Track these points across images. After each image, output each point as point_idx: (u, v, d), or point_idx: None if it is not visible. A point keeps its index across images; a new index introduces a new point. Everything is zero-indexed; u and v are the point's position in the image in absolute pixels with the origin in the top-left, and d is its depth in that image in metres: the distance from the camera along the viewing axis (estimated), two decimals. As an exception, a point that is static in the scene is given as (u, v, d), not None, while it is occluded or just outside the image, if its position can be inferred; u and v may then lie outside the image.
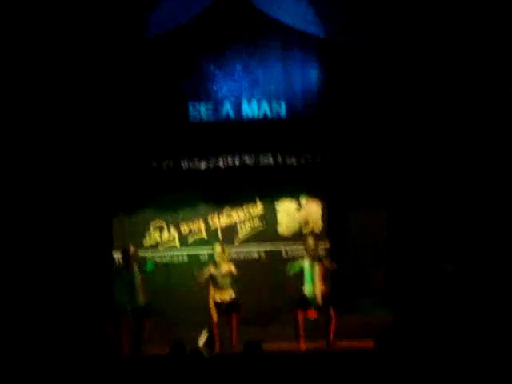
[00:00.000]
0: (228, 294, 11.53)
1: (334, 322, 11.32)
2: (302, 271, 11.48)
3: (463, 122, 11.94)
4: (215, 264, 11.56)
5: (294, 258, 12.17)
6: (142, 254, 12.68)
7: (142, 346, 11.14)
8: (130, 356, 10.76)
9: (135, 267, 11.43)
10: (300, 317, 11.31)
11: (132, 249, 11.53)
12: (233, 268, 11.54)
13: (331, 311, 11.33)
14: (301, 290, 11.43)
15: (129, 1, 11.86)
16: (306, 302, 11.36)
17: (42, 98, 11.85)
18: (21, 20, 11.53)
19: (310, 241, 11.67)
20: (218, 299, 11.47)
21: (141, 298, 11.35)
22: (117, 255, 12.67)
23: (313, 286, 11.41)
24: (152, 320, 11.38)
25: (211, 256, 12.00)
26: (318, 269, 11.46)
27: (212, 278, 11.51)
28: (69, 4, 11.60)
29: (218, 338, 11.42)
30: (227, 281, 11.55)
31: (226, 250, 11.81)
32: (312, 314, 11.41)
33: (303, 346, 11.20)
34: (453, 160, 12.07)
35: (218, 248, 11.63)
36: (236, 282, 11.65)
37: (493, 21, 11.56)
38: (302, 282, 11.47)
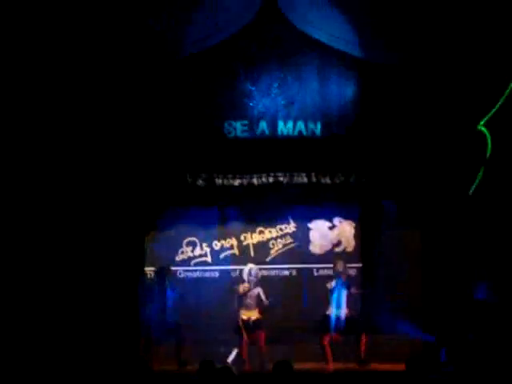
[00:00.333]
0: (255, 314, 11.60)
1: (363, 344, 11.29)
2: (331, 293, 11.50)
3: (502, 142, 11.84)
4: (247, 283, 11.66)
5: (326, 277, 12.16)
6: (173, 269, 12.77)
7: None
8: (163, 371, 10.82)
9: (167, 283, 11.53)
10: (325, 341, 11.32)
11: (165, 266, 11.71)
12: (261, 293, 11.63)
13: (361, 334, 11.31)
14: (325, 313, 11.45)
15: (164, 22, 11.95)
16: (330, 325, 11.36)
17: (79, 113, 11.93)
18: (58, 31, 11.67)
19: (339, 264, 11.71)
20: (245, 318, 11.54)
21: (171, 314, 11.44)
22: (149, 271, 12.76)
23: (339, 308, 11.41)
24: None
25: (241, 274, 12.05)
26: (344, 292, 11.47)
27: (240, 296, 11.57)
28: (105, 24, 11.71)
29: (247, 355, 11.44)
30: (254, 301, 11.63)
31: (258, 272, 11.88)
32: (337, 338, 11.40)
33: (331, 367, 11.17)
34: (487, 179, 11.97)
35: (248, 269, 11.78)
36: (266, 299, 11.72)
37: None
38: (327, 304, 11.47)
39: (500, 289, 11.62)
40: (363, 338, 11.32)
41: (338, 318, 11.39)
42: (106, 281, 11.85)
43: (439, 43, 11.87)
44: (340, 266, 11.67)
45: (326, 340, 11.33)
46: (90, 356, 10.90)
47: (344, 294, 11.48)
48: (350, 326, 11.41)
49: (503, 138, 11.78)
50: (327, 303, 11.55)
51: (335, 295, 11.45)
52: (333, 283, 11.56)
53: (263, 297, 11.70)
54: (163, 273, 11.65)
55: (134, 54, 11.87)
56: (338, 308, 11.42)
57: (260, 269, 12.31)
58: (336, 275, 11.67)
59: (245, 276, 11.86)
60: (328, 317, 11.43)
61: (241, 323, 11.53)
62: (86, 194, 11.93)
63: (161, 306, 11.43)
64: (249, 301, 11.67)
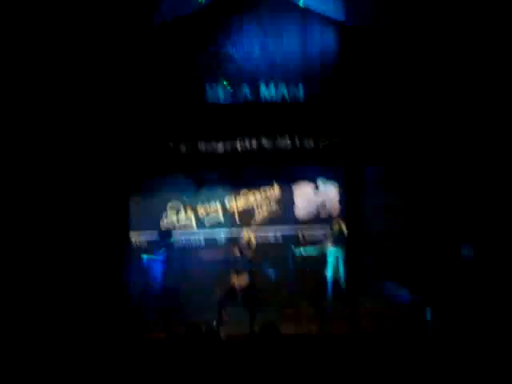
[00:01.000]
0: (245, 280, 11.61)
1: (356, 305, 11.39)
2: (323, 256, 11.55)
3: (484, 109, 11.85)
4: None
5: (312, 242, 12.20)
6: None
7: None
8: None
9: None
10: (323, 304, 11.40)
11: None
12: (252, 236, 11.68)
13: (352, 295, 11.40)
14: (323, 276, 11.51)
15: None
16: (327, 287, 11.44)
17: (62, 81, 11.85)
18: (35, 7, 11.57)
19: (337, 225, 11.76)
20: (235, 284, 11.51)
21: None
22: (134, 237, 12.77)
23: (337, 271, 11.47)
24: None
25: (227, 239, 12.07)
26: (342, 254, 11.53)
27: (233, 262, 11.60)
28: None
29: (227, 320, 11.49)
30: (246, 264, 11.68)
31: (252, 235, 11.90)
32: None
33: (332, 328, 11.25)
34: (469, 141, 11.99)
35: (245, 234, 11.77)
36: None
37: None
38: (324, 267, 11.53)
39: (486, 247, 11.68)
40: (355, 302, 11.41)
41: (334, 281, 11.46)
42: (91, 247, 11.85)
43: (420, 5, 11.83)
44: (338, 225, 11.76)
45: (323, 303, 11.41)
46: (78, 325, 10.90)
47: (342, 256, 11.54)
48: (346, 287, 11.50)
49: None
50: (317, 266, 11.61)
51: (331, 259, 11.51)
52: (329, 245, 11.61)
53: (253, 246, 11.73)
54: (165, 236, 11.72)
55: (113, 20, 11.77)
56: (336, 270, 11.48)
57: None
58: (333, 237, 11.70)
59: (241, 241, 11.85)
60: (324, 280, 11.50)
61: (229, 290, 11.55)
62: (67, 160, 11.87)
63: (149, 273, 11.48)
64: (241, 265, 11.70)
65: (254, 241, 11.73)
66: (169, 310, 11.64)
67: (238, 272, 11.62)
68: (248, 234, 11.79)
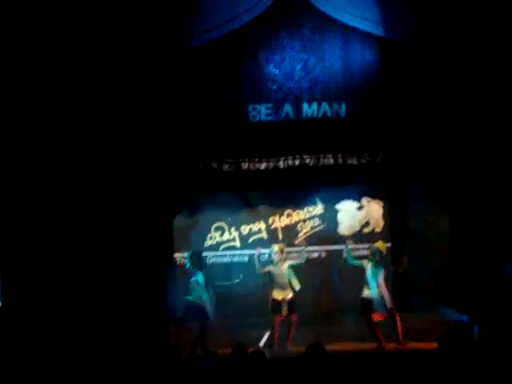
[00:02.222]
0: (286, 294, 11.62)
1: (399, 323, 11.31)
2: (364, 273, 11.51)
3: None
4: (273, 263, 11.68)
5: (355, 258, 12.15)
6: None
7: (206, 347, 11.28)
8: (193, 356, 10.88)
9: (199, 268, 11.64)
10: (372, 321, 11.33)
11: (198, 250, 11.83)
12: (287, 268, 11.72)
13: (395, 313, 11.33)
14: (364, 293, 11.45)
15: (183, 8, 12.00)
16: (371, 305, 11.36)
17: (107, 101, 12.01)
18: (66, 23, 11.76)
19: (382, 246, 11.72)
20: (279, 298, 11.56)
21: (204, 299, 11.51)
22: (179, 257, 12.86)
23: (377, 288, 11.40)
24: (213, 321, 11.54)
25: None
26: (382, 272, 11.48)
27: (271, 276, 11.61)
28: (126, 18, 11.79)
29: (279, 338, 11.48)
30: (285, 280, 11.64)
31: (284, 248, 11.91)
32: (377, 317, 11.41)
33: (384, 346, 11.17)
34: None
35: (275, 247, 11.79)
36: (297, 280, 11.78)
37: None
38: (365, 285, 11.48)
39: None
40: (398, 318, 11.33)
41: (378, 297, 11.40)
42: (136, 268, 11.93)
43: (461, 22, 11.78)
44: (381, 245, 11.73)
45: (373, 320, 11.34)
46: (121, 342, 10.99)
47: (381, 273, 11.49)
48: (386, 305, 11.41)
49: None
50: (360, 284, 11.55)
51: (371, 275, 11.46)
52: (369, 263, 11.56)
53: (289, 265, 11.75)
54: (196, 257, 11.72)
55: (155, 42, 11.91)
56: (377, 288, 11.42)
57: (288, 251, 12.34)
58: (373, 255, 11.64)
59: (273, 256, 11.85)
60: (368, 297, 11.43)
61: (272, 304, 11.58)
62: (113, 180, 12.01)
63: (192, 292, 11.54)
64: (280, 280, 11.70)
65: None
66: (212, 326, 11.65)
67: (278, 288, 11.66)
68: (277, 248, 11.85)
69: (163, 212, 12.69)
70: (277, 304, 11.60)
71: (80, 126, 11.92)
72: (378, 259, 11.59)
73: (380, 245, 11.81)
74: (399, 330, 11.37)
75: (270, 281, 11.83)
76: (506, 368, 6.87)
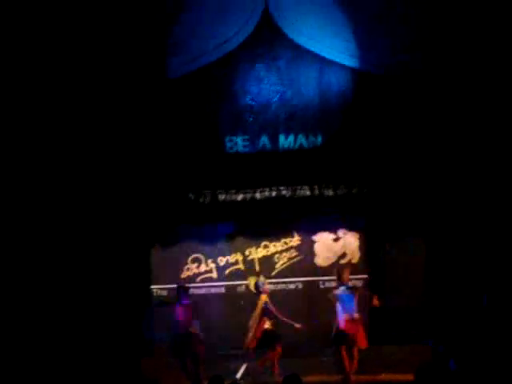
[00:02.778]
0: (271, 323, 11.58)
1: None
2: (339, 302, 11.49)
3: (503, 155, 11.84)
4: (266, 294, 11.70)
5: (332, 290, 12.16)
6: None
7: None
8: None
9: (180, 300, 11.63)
10: (343, 353, 11.28)
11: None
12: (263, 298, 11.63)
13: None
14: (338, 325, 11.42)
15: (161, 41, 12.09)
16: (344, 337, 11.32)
17: (81, 133, 12.02)
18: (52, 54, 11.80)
19: (345, 272, 11.70)
20: (269, 327, 11.47)
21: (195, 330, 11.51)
22: (155, 289, 12.82)
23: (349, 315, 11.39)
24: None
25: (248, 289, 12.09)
26: (353, 301, 11.45)
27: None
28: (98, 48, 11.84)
29: (255, 370, 11.43)
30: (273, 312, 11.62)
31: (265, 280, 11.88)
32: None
33: (353, 378, 11.15)
34: (491, 192, 11.96)
35: (252, 281, 11.75)
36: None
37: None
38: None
39: (503, 299, 11.61)
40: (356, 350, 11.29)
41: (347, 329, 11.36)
42: (112, 300, 11.88)
43: (437, 54, 11.93)
44: (346, 274, 11.68)
45: (343, 351, 11.29)
46: (96, 373, 10.91)
47: (353, 302, 11.46)
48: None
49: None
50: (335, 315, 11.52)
51: (344, 304, 11.42)
52: (339, 291, 11.52)
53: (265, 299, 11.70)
54: (181, 291, 11.73)
55: (130, 73, 11.96)
56: (345, 316, 11.39)
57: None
58: (341, 284, 11.62)
59: (259, 288, 11.82)
60: (340, 328, 11.38)
61: (264, 333, 11.50)
62: (88, 211, 11.97)
63: (173, 324, 11.50)
64: (269, 312, 11.67)
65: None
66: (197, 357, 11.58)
67: (269, 318, 11.60)
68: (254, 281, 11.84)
69: (140, 244, 12.69)
70: (266, 334, 11.53)
71: (56, 154, 11.91)
72: (348, 287, 11.58)
73: (344, 273, 11.82)
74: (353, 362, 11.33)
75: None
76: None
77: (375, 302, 11.45)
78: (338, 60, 12.38)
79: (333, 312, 11.46)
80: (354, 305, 11.39)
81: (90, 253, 12.02)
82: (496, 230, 11.82)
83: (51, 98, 11.87)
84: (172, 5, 12.25)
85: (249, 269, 13.17)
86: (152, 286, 12.93)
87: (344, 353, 11.22)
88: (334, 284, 12.51)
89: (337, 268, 12.31)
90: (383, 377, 11.19)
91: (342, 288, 11.50)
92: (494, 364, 10.65)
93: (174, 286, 12.29)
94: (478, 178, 11.96)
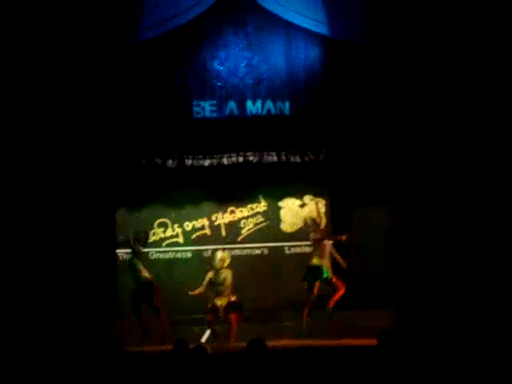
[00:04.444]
0: (226, 300, 11.42)
1: (340, 293, 11.40)
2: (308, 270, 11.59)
3: (468, 123, 11.94)
4: (215, 270, 11.56)
5: (297, 256, 12.27)
6: (145, 249, 12.82)
7: (146, 343, 11.25)
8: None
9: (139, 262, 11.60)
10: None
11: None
12: (230, 275, 11.54)
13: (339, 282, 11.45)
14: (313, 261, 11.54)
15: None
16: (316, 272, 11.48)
17: (45, 97, 11.90)
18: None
19: (308, 219, 11.83)
20: (218, 304, 11.38)
21: (147, 276, 11.52)
22: (121, 252, 12.80)
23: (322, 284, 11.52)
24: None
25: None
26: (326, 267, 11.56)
27: (211, 283, 11.46)
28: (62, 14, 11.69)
29: (219, 335, 11.45)
30: (225, 287, 11.51)
31: (227, 256, 11.72)
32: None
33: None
34: (457, 158, 12.07)
35: (218, 255, 11.59)
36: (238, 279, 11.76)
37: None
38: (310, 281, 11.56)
39: (468, 266, 11.76)
40: (341, 290, 11.45)
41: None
42: (78, 261, 11.88)
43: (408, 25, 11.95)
44: (310, 221, 11.83)
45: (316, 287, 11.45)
46: (63, 338, 10.89)
47: (325, 270, 11.58)
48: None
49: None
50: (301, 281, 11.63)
51: (316, 273, 11.54)
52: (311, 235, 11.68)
53: (228, 284, 11.58)
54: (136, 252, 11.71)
55: (95, 37, 11.83)
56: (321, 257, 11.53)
57: (230, 250, 12.34)
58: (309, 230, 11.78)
59: (214, 262, 11.65)
60: (315, 264, 11.51)
61: (211, 309, 11.44)
62: (54, 176, 11.91)
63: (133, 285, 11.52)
64: (219, 287, 11.51)
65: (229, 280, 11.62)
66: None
67: (219, 294, 11.50)
68: (220, 256, 11.68)
69: (105, 207, 12.65)
70: (214, 310, 11.44)
71: (22, 119, 11.80)
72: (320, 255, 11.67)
73: (307, 219, 11.93)
74: (333, 299, 11.45)
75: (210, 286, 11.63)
76: (444, 364, 7.00)
77: (343, 238, 11.65)
78: (306, 26, 12.34)
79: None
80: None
81: (54, 216, 11.97)
82: (462, 195, 11.94)
83: (18, 58, 11.73)
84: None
85: (215, 234, 13.19)
86: (117, 250, 12.88)
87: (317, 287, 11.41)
88: (300, 250, 12.68)
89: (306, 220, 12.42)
90: (346, 341, 11.29)
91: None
92: (457, 329, 10.82)
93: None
94: (443, 147, 12.06)
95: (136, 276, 11.57)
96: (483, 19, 11.70)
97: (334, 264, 11.66)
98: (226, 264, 11.53)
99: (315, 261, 11.56)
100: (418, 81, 12.03)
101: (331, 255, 11.63)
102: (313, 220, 11.98)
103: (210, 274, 11.48)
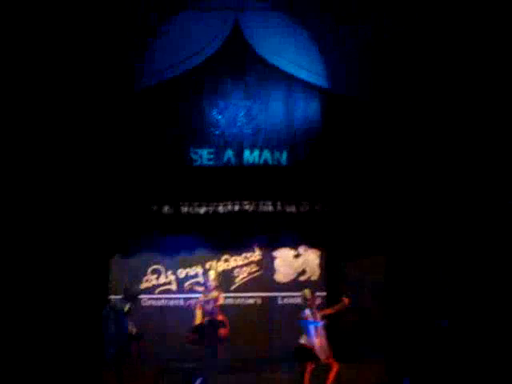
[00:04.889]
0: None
1: (335, 372, 11.30)
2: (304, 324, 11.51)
3: (460, 174, 12.04)
4: (205, 288, 11.83)
5: (290, 306, 12.23)
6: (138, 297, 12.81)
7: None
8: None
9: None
10: (306, 370, 11.28)
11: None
12: (221, 296, 11.68)
13: (333, 361, 11.34)
14: (300, 342, 11.43)
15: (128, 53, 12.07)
16: (309, 354, 11.34)
17: (45, 141, 11.96)
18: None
19: (307, 291, 11.72)
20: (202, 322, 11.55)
21: (133, 332, 11.45)
22: (114, 299, 12.73)
23: (316, 337, 11.40)
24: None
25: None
26: (319, 318, 11.47)
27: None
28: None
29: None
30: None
31: (219, 277, 11.93)
32: (312, 365, 11.40)
33: None
34: (450, 211, 12.13)
35: (211, 275, 11.77)
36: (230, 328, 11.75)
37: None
38: (304, 332, 11.46)
39: (461, 317, 11.75)
40: (334, 368, 11.31)
41: (314, 346, 11.38)
42: (70, 309, 11.80)
43: (403, 82, 12.11)
44: (309, 294, 11.70)
45: (307, 369, 11.29)
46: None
47: (319, 322, 11.48)
48: (322, 354, 11.41)
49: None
50: (295, 332, 11.52)
51: (310, 324, 11.43)
52: (307, 312, 11.51)
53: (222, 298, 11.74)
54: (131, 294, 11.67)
55: (96, 87, 11.93)
56: (314, 337, 11.39)
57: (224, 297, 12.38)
58: (305, 304, 11.62)
59: (208, 282, 11.93)
60: (304, 346, 11.39)
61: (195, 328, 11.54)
62: (51, 221, 11.90)
63: (121, 326, 11.42)
64: (207, 306, 11.70)
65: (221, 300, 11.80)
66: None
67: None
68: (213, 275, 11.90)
69: (100, 254, 12.62)
70: (198, 327, 11.57)
71: (21, 163, 11.84)
72: (315, 307, 11.58)
73: (306, 291, 11.84)
74: (331, 379, 11.34)
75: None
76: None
77: (346, 301, 11.54)
78: (305, 78, 12.46)
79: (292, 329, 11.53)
80: (318, 329, 11.41)
81: (49, 261, 11.92)
82: (455, 250, 11.98)
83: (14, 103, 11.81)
84: (143, 18, 12.24)
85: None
86: (111, 297, 12.82)
87: (308, 369, 11.27)
88: (293, 300, 12.65)
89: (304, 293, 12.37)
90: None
91: (310, 310, 11.54)
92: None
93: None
94: (437, 199, 12.12)
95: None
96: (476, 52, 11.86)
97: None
98: (217, 284, 11.78)
99: (303, 341, 11.42)
100: (414, 136, 12.14)
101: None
102: (312, 293, 11.85)
103: (201, 296, 11.62)
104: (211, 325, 11.60)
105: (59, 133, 11.97)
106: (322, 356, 11.09)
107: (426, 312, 12.04)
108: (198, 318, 11.75)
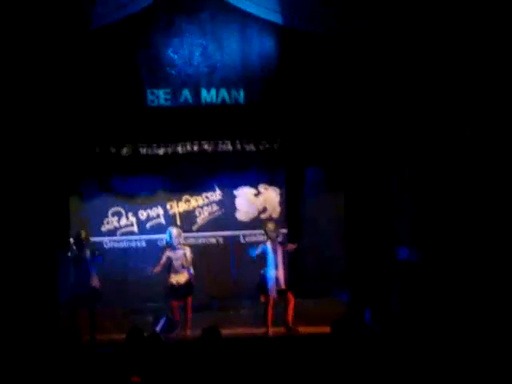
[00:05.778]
0: (184, 277, 11.67)
1: (292, 305, 11.47)
2: (264, 255, 11.61)
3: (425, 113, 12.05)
4: (171, 247, 11.68)
5: (253, 244, 12.31)
6: (99, 239, 12.79)
7: (100, 333, 11.21)
8: (87, 343, 10.76)
9: (88, 253, 11.52)
10: (263, 300, 11.47)
11: (84, 234, 11.64)
12: (188, 251, 11.71)
13: (290, 295, 11.50)
14: (262, 274, 11.56)
15: None
16: (268, 286, 11.49)
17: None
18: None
19: (270, 225, 11.83)
20: (174, 282, 11.60)
21: (94, 284, 11.45)
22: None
23: (275, 269, 11.53)
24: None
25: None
26: (279, 252, 11.59)
27: (169, 260, 11.69)
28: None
29: (178, 322, 11.51)
30: (179, 263, 11.70)
31: (181, 232, 11.94)
32: (269, 298, 11.55)
33: (270, 331, 11.33)
34: (410, 145, 12.17)
35: (174, 231, 11.79)
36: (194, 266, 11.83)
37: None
38: (264, 266, 11.58)
39: (422, 249, 11.87)
40: (292, 302, 11.48)
41: (275, 278, 11.52)
42: (29, 252, 11.75)
43: (363, 15, 11.99)
44: (271, 225, 11.83)
45: (266, 301, 11.46)
46: (10, 328, 10.82)
47: (279, 254, 11.60)
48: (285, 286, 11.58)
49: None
50: (258, 269, 11.66)
51: (270, 256, 11.56)
52: (267, 244, 11.65)
53: (189, 258, 11.75)
54: (83, 243, 11.61)
55: (48, 22, 11.67)
56: (275, 269, 11.53)
57: (185, 237, 12.42)
58: (267, 237, 11.75)
59: (172, 239, 11.88)
60: (264, 277, 11.54)
61: (169, 288, 11.61)
62: (7, 162, 11.76)
63: (82, 276, 11.41)
64: (176, 264, 11.74)
65: (189, 255, 11.81)
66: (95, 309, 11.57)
67: (175, 272, 11.67)
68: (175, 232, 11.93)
69: (59, 196, 12.54)
70: (172, 288, 11.64)
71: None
72: (274, 239, 11.70)
73: (269, 224, 11.94)
74: (290, 313, 11.50)
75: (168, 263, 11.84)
76: (394, 352, 7.10)
77: (290, 246, 11.71)
78: (260, 15, 12.31)
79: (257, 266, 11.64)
80: (279, 259, 11.56)
81: (5, 203, 11.82)
82: (415, 181, 12.05)
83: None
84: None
85: (170, 223, 13.15)
86: (71, 239, 12.77)
87: (271, 303, 11.45)
88: (255, 238, 12.75)
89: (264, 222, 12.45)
90: (301, 330, 11.39)
91: (269, 243, 11.66)
92: (410, 317, 10.98)
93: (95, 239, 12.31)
94: (399, 136, 12.14)
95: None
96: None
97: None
98: (182, 240, 11.76)
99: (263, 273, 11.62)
100: (375, 71, 12.08)
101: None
102: (275, 226, 11.94)
103: (167, 253, 11.67)
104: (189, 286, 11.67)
105: (15, 71, 11.73)
106: (283, 286, 11.34)
107: (386, 244, 12.16)
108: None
